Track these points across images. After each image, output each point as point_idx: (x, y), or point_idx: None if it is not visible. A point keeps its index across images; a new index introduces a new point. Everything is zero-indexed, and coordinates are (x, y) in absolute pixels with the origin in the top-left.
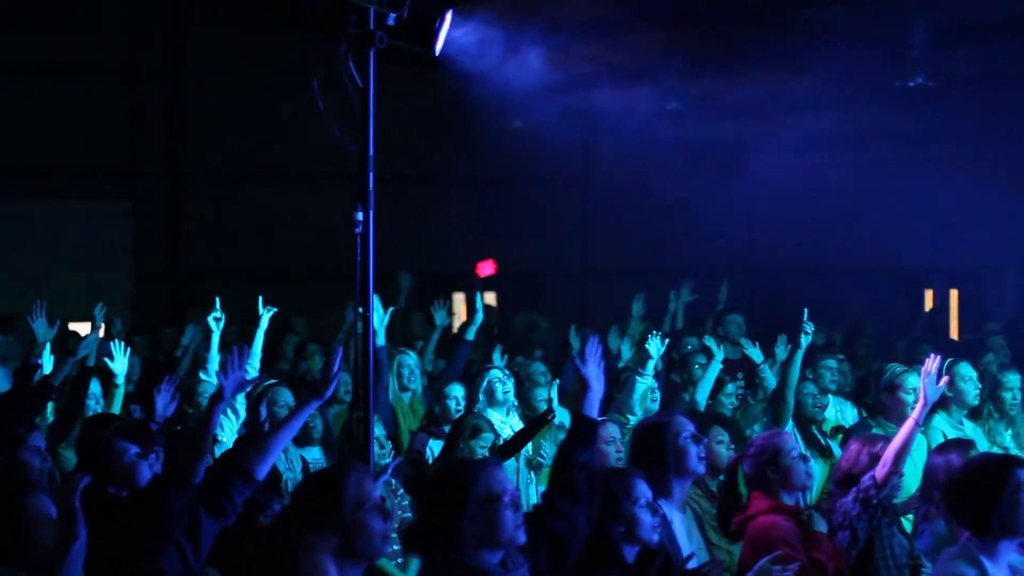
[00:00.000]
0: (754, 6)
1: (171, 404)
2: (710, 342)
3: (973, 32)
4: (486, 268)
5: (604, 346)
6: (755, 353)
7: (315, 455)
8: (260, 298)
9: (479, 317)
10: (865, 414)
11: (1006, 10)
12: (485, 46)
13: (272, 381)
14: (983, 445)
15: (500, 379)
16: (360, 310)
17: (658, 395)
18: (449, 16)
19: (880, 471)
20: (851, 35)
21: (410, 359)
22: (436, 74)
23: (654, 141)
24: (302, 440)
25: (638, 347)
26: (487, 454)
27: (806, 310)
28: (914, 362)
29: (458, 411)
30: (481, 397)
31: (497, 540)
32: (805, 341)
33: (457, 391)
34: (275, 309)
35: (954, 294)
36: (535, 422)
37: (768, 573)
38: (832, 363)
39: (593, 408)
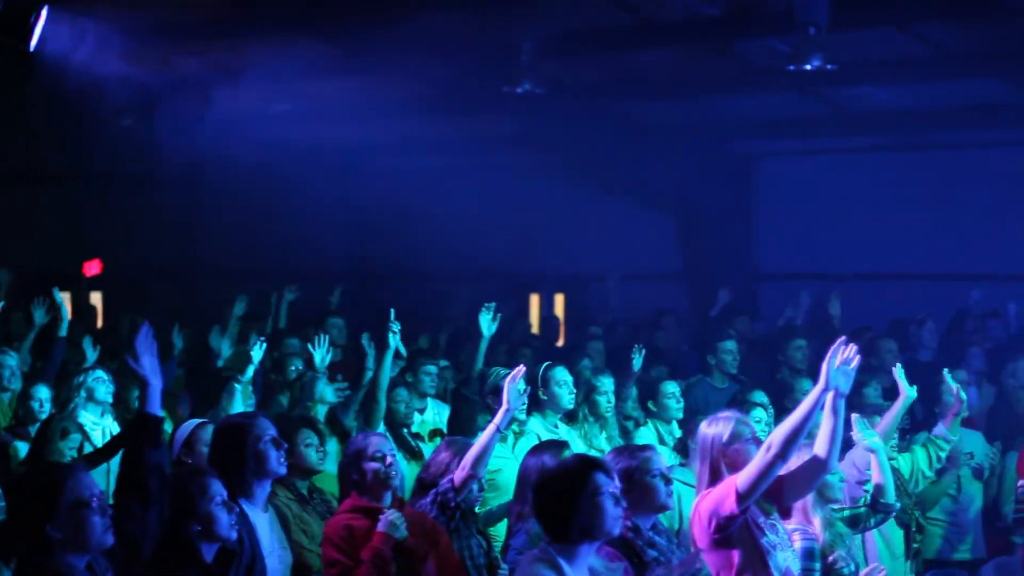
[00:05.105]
0: (367, 8)
1: None
2: (318, 356)
3: (582, 41)
4: (92, 267)
5: (205, 344)
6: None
7: None
8: None
9: (65, 312)
10: None
11: (615, 21)
12: (84, 43)
13: None
14: (581, 448)
15: (103, 379)
16: None
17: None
18: (45, 11)
19: (458, 474)
20: (459, 40)
21: (11, 359)
22: (34, 69)
23: (263, 142)
24: None
25: (237, 347)
26: (75, 455)
27: (392, 311)
28: (515, 366)
29: (42, 412)
30: (81, 393)
31: (86, 545)
32: (393, 341)
33: (42, 393)
34: None
35: (559, 299)
36: (125, 433)
37: None
38: (432, 368)
39: (155, 405)
